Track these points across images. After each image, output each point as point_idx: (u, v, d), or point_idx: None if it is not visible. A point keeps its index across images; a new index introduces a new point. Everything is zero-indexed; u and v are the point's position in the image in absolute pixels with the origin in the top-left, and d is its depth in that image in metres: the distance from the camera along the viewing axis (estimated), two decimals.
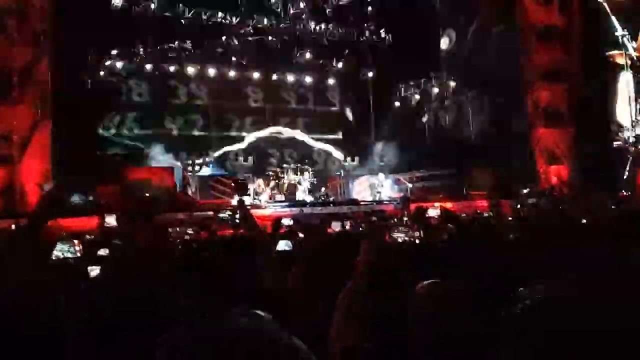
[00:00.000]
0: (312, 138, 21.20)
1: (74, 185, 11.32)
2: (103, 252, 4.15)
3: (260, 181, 16.77)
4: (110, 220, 8.07)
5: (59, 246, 4.00)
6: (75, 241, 4.26)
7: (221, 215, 9.05)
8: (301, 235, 5.56)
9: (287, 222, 7.93)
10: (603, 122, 15.58)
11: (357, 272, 2.24)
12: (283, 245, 4.85)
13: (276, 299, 1.94)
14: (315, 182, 17.78)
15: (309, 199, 16.49)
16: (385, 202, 15.54)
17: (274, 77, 20.64)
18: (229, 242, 4.64)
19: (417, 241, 4.60)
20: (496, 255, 3.34)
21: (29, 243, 2.45)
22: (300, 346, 0.77)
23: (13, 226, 7.34)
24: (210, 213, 11.80)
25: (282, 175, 17.19)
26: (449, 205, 12.64)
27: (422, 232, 4.73)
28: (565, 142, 16.13)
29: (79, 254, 4.10)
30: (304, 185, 17.16)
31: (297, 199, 16.26)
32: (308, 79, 21.26)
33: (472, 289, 1.94)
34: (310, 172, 17.94)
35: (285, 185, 16.71)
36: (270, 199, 16.27)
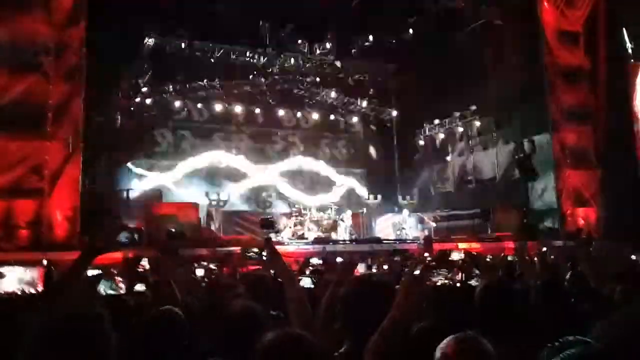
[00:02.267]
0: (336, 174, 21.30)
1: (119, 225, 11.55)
2: (140, 287, 4.22)
3: (283, 218, 16.86)
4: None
5: (102, 282, 4.08)
6: (117, 278, 4.34)
7: (248, 253, 9.09)
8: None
9: (315, 261, 7.95)
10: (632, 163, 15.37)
11: (392, 317, 2.24)
12: (304, 282, 4.86)
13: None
14: (337, 219, 17.78)
15: (347, 237, 16.52)
16: (408, 241, 15.44)
17: (299, 114, 20.91)
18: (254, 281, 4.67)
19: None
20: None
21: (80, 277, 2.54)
22: None
23: (44, 261, 7.47)
24: (234, 249, 11.86)
25: (305, 212, 17.25)
26: (474, 246, 12.52)
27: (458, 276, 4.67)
28: (593, 184, 15.92)
29: (121, 290, 4.17)
30: (346, 222, 17.23)
31: (336, 237, 16.33)
32: (332, 117, 21.48)
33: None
34: (333, 209, 17.97)
35: (325, 223, 16.79)
36: (293, 235, 16.30)
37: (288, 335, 1.82)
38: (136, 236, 12.11)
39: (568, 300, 3.59)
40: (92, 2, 12.73)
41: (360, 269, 6.61)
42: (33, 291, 6.66)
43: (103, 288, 4.29)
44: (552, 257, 9.51)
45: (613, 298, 3.70)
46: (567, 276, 4.27)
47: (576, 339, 1.67)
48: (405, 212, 17.74)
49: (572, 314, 3.23)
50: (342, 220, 17.31)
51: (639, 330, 1.41)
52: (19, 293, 6.46)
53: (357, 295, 2.53)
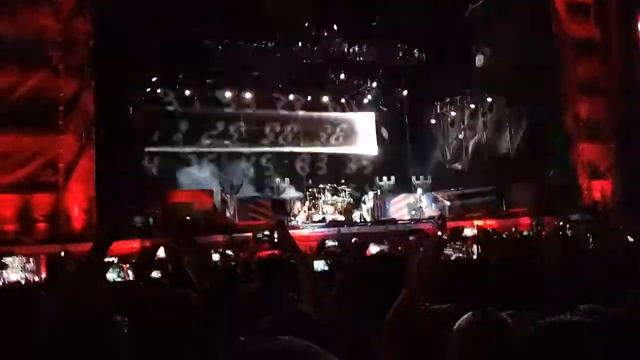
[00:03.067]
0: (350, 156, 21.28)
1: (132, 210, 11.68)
2: (156, 274, 4.26)
3: (297, 201, 16.89)
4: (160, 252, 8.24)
5: (110, 271, 4.13)
6: (124, 265, 4.39)
7: (259, 235, 9.12)
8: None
9: (330, 243, 7.99)
10: None
11: (407, 292, 2.24)
12: (319, 265, 4.88)
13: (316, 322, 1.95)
14: (352, 202, 17.79)
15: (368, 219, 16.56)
16: (423, 221, 15.41)
17: (309, 98, 20.83)
18: (269, 263, 4.69)
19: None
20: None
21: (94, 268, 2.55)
22: None
23: (62, 253, 7.56)
24: (249, 234, 11.92)
25: (319, 196, 17.26)
26: (489, 223, 12.48)
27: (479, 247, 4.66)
28: (608, 157, 15.74)
29: (128, 278, 4.22)
30: (367, 204, 17.27)
31: (356, 220, 16.40)
32: (342, 100, 21.39)
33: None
34: (347, 192, 17.97)
35: (341, 204, 16.83)
36: (308, 219, 16.34)
37: (291, 314, 1.83)
38: (151, 220, 12.19)
39: (588, 273, 3.55)
40: None
41: (373, 250, 6.62)
42: (37, 279, 6.73)
43: (111, 276, 4.33)
44: (570, 231, 9.46)
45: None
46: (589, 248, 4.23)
47: (589, 307, 1.65)
48: (420, 191, 17.68)
49: (593, 287, 3.20)
50: (363, 202, 17.34)
51: None
52: (23, 282, 6.53)
53: (369, 271, 2.53)
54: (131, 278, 4.31)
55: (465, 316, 1.98)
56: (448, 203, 16.99)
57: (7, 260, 6.66)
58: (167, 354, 2.55)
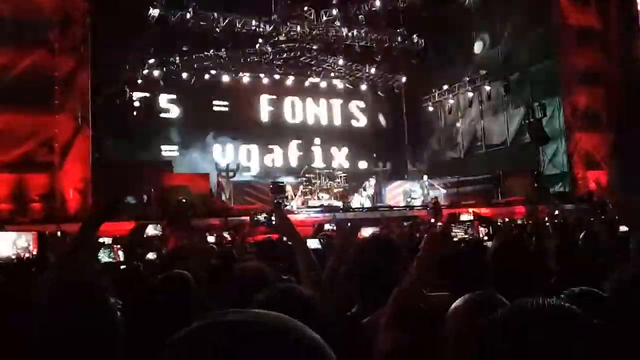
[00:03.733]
0: (344, 144, 21.19)
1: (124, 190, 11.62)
2: (152, 255, 4.25)
3: (293, 186, 16.86)
4: (149, 230, 8.22)
5: (101, 251, 4.11)
6: (115, 246, 4.38)
7: (257, 217, 9.15)
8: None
9: (328, 226, 8.03)
10: None
11: (413, 275, 2.24)
12: (313, 244, 4.89)
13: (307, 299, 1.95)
14: (347, 187, 17.80)
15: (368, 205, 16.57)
16: (418, 208, 15.45)
17: (307, 83, 20.74)
18: (263, 244, 4.70)
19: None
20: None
21: (85, 246, 2.53)
22: (322, 343, 0.77)
23: (58, 232, 7.54)
24: (245, 218, 11.93)
25: (315, 181, 17.26)
26: (484, 211, 12.51)
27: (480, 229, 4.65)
28: (605, 147, 15.78)
29: (120, 259, 4.21)
30: (368, 191, 17.25)
31: (354, 205, 16.41)
32: (340, 85, 21.31)
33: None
34: (342, 177, 17.97)
35: (337, 190, 16.82)
36: (303, 204, 16.34)
37: (285, 289, 1.83)
38: (145, 198, 12.14)
39: (582, 259, 3.57)
40: None
41: (366, 233, 6.63)
42: (28, 255, 6.72)
43: (102, 256, 4.31)
44: (563, 219, 9.50)
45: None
46: (581, 236, 4.25)
47: (581, 289, 1.65)
48: (425, 177, 17.50)
49: (587, 272, 3.22)
50: (364, 189, 17.32)
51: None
52: (14, 258, 6.51)
53: (364, 255, 2.53)
54: (122, 259, 4.30)
55: (461, 298, 1.99)
56: (444, 190, 17.02)
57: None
58: (164, 336, 2.55)
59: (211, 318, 0.77)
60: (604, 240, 4.11)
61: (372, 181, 17.81)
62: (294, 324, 0.77)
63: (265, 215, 8.62)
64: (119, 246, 4.51)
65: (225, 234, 8.13)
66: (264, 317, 0.78)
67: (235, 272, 2.75)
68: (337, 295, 2.71)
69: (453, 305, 1.98)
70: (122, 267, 4.14)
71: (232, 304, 2.56)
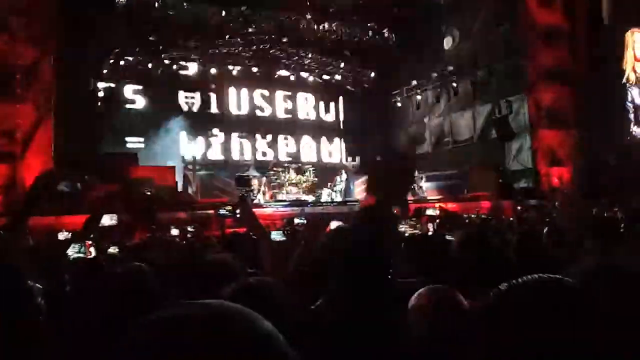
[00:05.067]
0: (314, 138, 21.16)
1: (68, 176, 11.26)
2: (113, 249, 4.18)
3: (261, 180, 16.75)
4: (105, 220, 8.05)
5: (72, 246, 4.03)
6: (87, 242, 4.30)
7: (222, 211, 9.08)
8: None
9: (298, 220, 8.05)
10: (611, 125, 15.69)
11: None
12: (275, 235, 4.91)
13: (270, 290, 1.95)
14: (316, 181, 17.81)
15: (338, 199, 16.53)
16: None
17: (276, 75, 20.61)
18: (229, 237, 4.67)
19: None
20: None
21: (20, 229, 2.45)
22: (274, 333, 0.75)
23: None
24: (211, 211, 11.82)
25: (283, 175, 17.23)
26: (450, 206, 12.67)
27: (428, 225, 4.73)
28: (568, 144, 16.13)
29: (89, 255, 4.13)
30: (339, 186, 17.19)
31: (324, 200, 16.37)
32: (311, 79, 21.25)
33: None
34: (311, 171, 17.98)
35: (305, 184, 16.76)
36: (271, 198, 16.29)
37: (254, 282, 1.82)
38: (79, 186, 11.68)
39: (545, 252, 3.64)
40: None
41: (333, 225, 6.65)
42: None
43: (72, 252, 4.24)
44: (527, 214, 9.69)
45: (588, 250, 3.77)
46: (544, 231, 4.32)
47: (540, 276, 1.68)
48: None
49: (549, 264, 3.27)
50: (334, 184, 17.27)
51: (606, 271, 1.42)
52: None
53: (329, 247, 2.53)
54: (93, 255, 4.23)
55: (418, 292, 2.01)
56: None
57: None
58: (116, 327, 2.51)
59: (163, 310, 0.75)
60: (569, 235, 4.20)
61: (344, 176, 17.84)
62: (245, 312, 0.76)
63: (230, 208, 8.57)
64: (89, 242, 4.43)
65: (190, 228, 8.07)
66: (213, 306, 0.77)
67: (201, 265, 2.73)
68: (300, 287, 2.70)
69: (411, 300, 2.00)
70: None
71: (197, 296, 2.53)
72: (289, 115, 21.10)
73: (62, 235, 5.02)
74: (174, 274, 3.23)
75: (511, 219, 8.96)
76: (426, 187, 16.73)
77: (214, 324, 0.71)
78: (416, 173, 16.80)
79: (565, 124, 16.26)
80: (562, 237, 4.06)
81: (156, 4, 16.81)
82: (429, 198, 15.14)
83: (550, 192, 14.73)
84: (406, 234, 4.63)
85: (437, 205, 11.64)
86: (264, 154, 19.84)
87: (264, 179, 16.83)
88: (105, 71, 16.68)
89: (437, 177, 17.24)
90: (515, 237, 4.27)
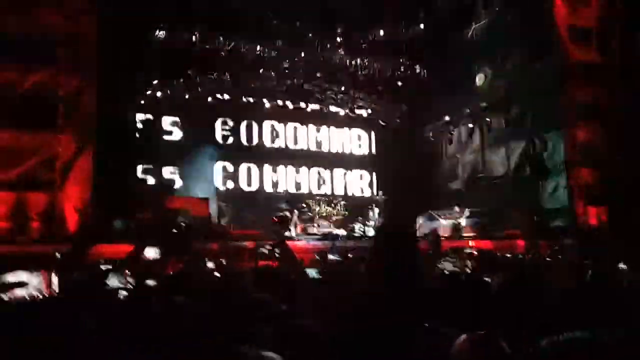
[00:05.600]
0: (345, 172, 21.19)
1: (115, 212, 11.58)
2: (151, 282, 4.21)
3: (292, 213, 16.80)
4: (149, 253, 8.12)
5: (112, 276, 4.09)
6: (127, 272, 4.35)
7: (261, 250, 9.16)
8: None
9: (332, 257, 8.07)
10: None
11: None
12: (311, 273, 4.91)
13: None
14: (347, 215, 17.77)
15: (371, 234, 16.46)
16: (418, 238, 15.36)
17: (309, 109, 20.82)
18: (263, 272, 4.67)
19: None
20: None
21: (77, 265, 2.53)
22: None
23: (57, 254, 7.48)
24: (244, 243, 11.88)
25: (315, 208, 17.25)
26: (485, 243, 12.47)
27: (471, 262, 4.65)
28: (605, 183, 15.79)
29: (129, 285, 4.17)
30: (372, 220, 17.17)
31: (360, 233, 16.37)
32: (342, 112, 21.39)
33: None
34: (342, 204, 17.96)
35: (336, 217, 16.77)
36: (302, 231, 16.29)
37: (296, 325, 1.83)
38: (132, 225, 12.04)
39: (587, 300, 3.52)
40: None
41: None
42: (41, 296, 6.69)
43: (112, 282, 4.29)
44: (565, 255, 9.46)
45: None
46: (588, 275, 4.19)
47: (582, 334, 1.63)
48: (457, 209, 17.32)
49: (591, 314, 3.17)
50: (369, 218, 17.24)
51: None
52: (28, 298, 6.48)
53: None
54: (131, 285, 4.27)
55: (461, 338, 1.97)
56: (444, 222, 16.96)
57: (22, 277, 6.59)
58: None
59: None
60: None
61: (377, 210, 17.80)
62: None
63: (269, 248, 8.62)
64: (129, 272, 4.48)
65: (224, 261, 8.10)
66: None
67: (240, 302, 2.74)
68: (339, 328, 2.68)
69: (454, 346, 1.96)
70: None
71: (234, 333, 2.54)
72: (321, 149, 21.22)
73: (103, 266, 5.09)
74: (212, 309, 3.24)
75: (548, 259, 8.79)
76: (464, 223, 16.48)
77: None
78: (456, 208, 16.65)
79: (601, 162, 15.96)
80: (606, 282, 3.95)
81: (193, 38, 17.26)
82: (464, 235, 14.95)
83: (589, 232, 14.38)
84: (445, 271, 4.57)
85: (470, 243, 11.49)
86: (297, 186, 19.93)
87: (295, 211, 16.86)
88: (143, 102, 17.08)
89: (471, 213, 17.00)
90: (555, 280, 4.19)
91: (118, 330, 2.66)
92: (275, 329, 1.86)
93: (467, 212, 16.70)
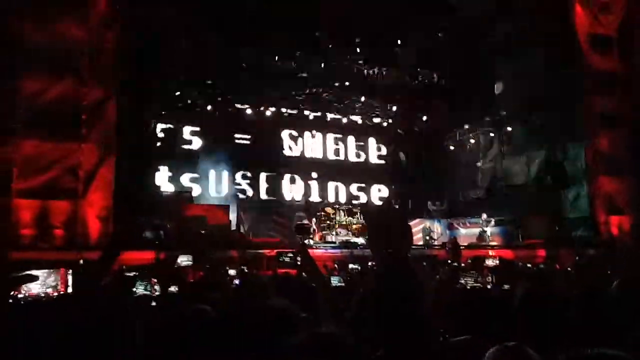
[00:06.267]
0: (363, 181, 21.20)
1: (143, 222, 11.75)
2: (174, 289, 4.27)
3: (311, 221, 16.84)
4: (182, 260, 8.23)
5: (138, 283, 4.15)
6: (153, 280, 4.41)
7: (283, 258, 9.25)
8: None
9: (352, 266, 8.10)
10: None
11: None
12: (334, 280, 4.92)
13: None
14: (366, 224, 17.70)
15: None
16: (436, 247, 15.32)
17: (328, 118, 20.90)
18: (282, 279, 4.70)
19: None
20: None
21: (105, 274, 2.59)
22: None
23: (81, 260, 7.62)
24: (263, 251, 11.94)
25: (333, 216, 17.24)
26: (505, 253, 12.37)
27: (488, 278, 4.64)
28: (628, 192, 15.59)
29: (155, 292, 4.24)
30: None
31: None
32: (360, 121, 21.43)
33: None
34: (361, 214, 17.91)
35: (355, 226, 16.76)
36: (320, 239, 16.30)
37: (323, 334, 1.84)
38: (162, 233, 12.23)
39: (611, 311, 3.46)
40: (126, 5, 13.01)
41: None
42: (56, 294, 6.81)
43: (138, 289, 4.37)
44: (587, 265, 9.34)
45: None
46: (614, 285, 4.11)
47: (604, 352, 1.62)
48: (435, 219, 17.40)
49: (615, 326, 3.13)
50: None
51: None
52: (43, 296, 6.61)
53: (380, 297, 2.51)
54: (158, 292, 4.33)
55: (491, 351, 1.96)
56: (463, 231, 16.86)
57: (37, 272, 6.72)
58: None
59: None
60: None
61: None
62: None
63: (291, 255, 8.69)
64: (155, 280, 4.55)
65: (244, 268, 8.16)
66: None
67: (261, 310, 2.76)
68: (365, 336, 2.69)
69: (487, 356, 1.96)
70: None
71: (258, 342, 2.56)
72: (339, 157, 21.28)
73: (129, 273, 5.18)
74: (234, 316, 3.27)
75: (569, 269, 8.68)
76: (491, 232, 16.34)
77: None
78: (484, 216, 16.51)
79: (623, 171, 15.76)
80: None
81: (213, 47, 17.42)
82: (482, 244, 14.85)
83: (610, 242, 14.19)
84: (467, 287, 4.56)
85: (491, 252, 11.41)
86: (316, 195, 20.01)
87: (314, 220, 16.89)
88: (164, 112, 17.30)
89: (499, 222, 16.85)
90: (578, 291, 4.13)
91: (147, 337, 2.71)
92: (303, 338, 1.87)
93: (493, 221, 16.57)
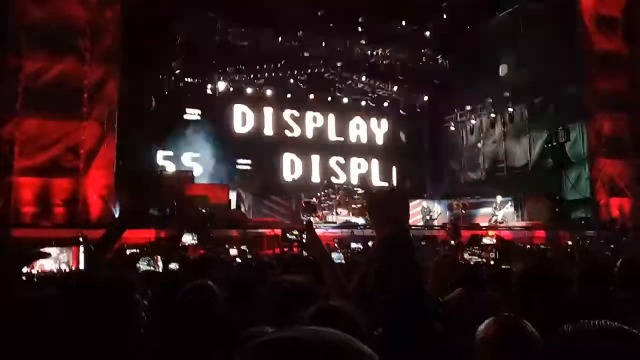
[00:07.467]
0: (365, 161, 21.21)
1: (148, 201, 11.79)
2: (174, 266, 4.30)
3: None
4: (187, 239, 8.26)
5: (142, 260, 4.19)
6: (156, 257, 4.45)
7: (289, 235, 9.29)
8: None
9: (355, 245, 8.16)
10: None
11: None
12: (335, 257, 4.96)
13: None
14: (366, 204, 17.74)
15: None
16: (436, 227, 15.36)
17: (329, 99, 20.83)
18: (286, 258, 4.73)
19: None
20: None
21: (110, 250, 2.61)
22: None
23: (80, 238, 7.66)
24: (262, 230, 11.99)
25: (334, 196, 17.27)
26: (504, 234, 12.41)
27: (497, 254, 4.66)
28: (629, 174, 15.58)
29: (158, 269, 4.27)
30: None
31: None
32: (363, 102, 21.36)
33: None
34: (361, 194, 17.94)
35: (355, 206, 16.79)
36: (321, 219, 16.34)
37: (332, 307, 1.85)
38: (168, 211, 12.26)
39: (612, 289, 3.49)
40: None
41: None
42: (68, 270, 6.90)
43: (142, 265, 4.40)
44: (588, 246, 9.37)
45: None
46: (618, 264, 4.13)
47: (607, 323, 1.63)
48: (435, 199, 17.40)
49: (615, 304, 3.15)
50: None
51: None
52: (56, 272, 6.70)
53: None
54: (161, 268, 4.38)
55: (486, 322, 1.97)
56: (463, 211, 16.90)
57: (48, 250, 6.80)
58: (189, 340, 2.59)
59: (275, 333, 0.80)
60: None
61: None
62: (350, 340, 0.81)
63: (296, 232, 8.74)
64: (158, 257, 4.59)
65: (244, 247, 8.20)
66: (324, 334, 0.81)
67: (274, 286, 2.77)
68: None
69: (479, 331, 1.97)
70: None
71: (272, 317, 2.58)
72: (341, 138, 21.24)
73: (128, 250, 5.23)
74: (238, 292, 3.30)
75: (569, 250, 8.72)
76: (502, 215, 16.32)
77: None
78: (499, 198, 16.52)
79: (625, 153, 15.74)
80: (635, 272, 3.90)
81: (216, 29, 17.32)
82: (482, 225, 14.88)
83: (610, 223, 14.23)
84: (471, 262, 4.59)
85: (490, 233, 11.45)
86: (315, 174, 20.02)
87: (314, 200, 16.92)
88: (166, 92, 17.23)
89: (491, 203, 16.90)
90: (577, 271, 4.15)
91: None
92: (315, 310, 1.88)
93: (509, 203, 16.54)
